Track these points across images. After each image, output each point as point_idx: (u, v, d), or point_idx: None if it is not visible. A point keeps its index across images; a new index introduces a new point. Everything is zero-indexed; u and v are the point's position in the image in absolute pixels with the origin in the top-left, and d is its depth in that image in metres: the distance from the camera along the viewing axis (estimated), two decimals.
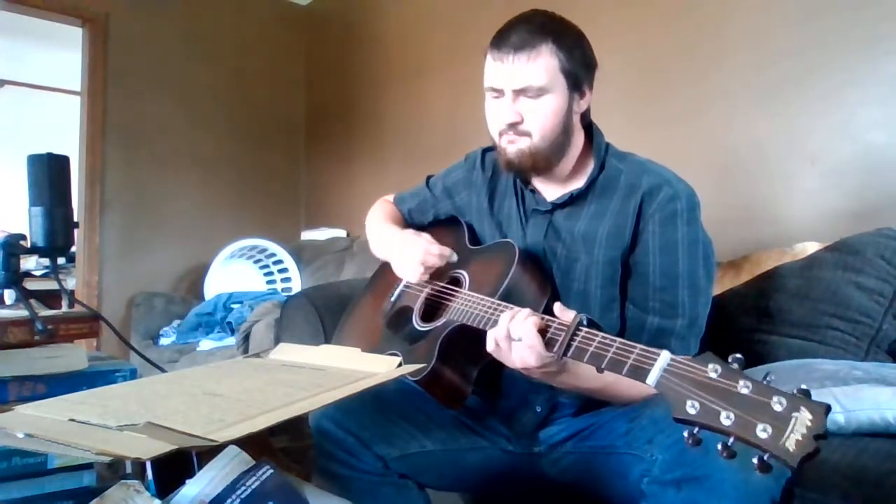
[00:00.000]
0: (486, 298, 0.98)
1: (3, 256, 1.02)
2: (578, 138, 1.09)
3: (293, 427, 0.98)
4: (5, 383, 0.87)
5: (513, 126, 1.02)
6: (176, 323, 3.14)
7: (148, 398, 0.80)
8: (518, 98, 1.01)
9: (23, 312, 0.94)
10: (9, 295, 1.08)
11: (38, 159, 1.09)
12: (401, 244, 1.18)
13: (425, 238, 1.16)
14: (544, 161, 1.04)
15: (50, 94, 4.99)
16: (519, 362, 0.86)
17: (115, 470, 0.84)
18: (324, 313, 1.64)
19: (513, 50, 0.99)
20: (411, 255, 1.13)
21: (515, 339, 0.85)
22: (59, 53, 4.30)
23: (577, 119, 1.06)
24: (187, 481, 0.70)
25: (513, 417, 1.10)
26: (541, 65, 0.98)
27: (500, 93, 1.03)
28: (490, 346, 0.89)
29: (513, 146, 1.04)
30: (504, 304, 0.94)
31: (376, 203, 1.41)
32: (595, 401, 1.02)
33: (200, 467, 0.71)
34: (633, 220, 1.02)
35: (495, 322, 0.91)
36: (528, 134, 1.02)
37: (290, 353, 1.04)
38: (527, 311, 0.87)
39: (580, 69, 1.02)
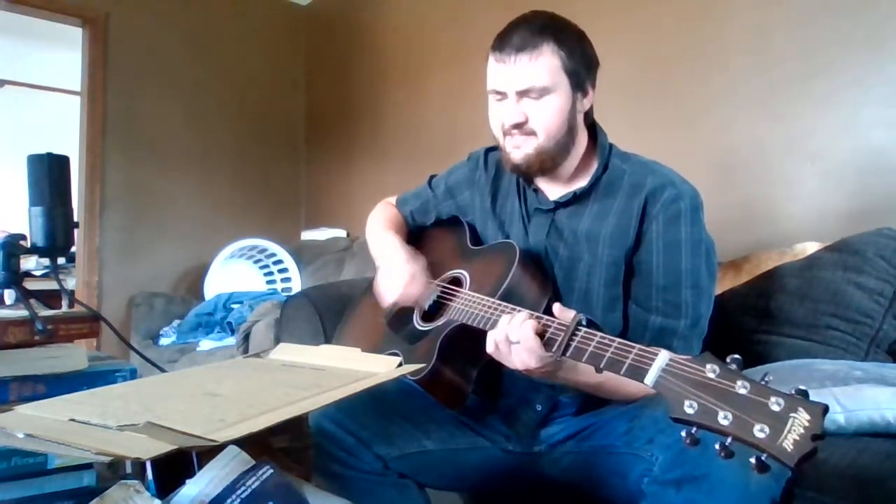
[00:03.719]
0: (487, 298, 0.98)
1: (3, 256, 1.02)
2: (582, 138, 1.09)
3: (293, 427, 0.98)
4: (5, 383, 0.87)
5: (518, 126, 1.02)
6: (176, 323, 3.14)
7: (148, 398, 0.80)
8: (522, 99, 1.01)
9: (23, 312, 0.94)
10: (9, 295, 1.08)
11: (38, 159, 1.09)
12: (393, 266, 1.16)
13: (414, 273, 1.14)
14: (550, 161, 1.04)
15: (50, 94, 4.98)
16: (519, 364, 0.86)
17: (115, 470, 0.83)
18: (324, 313, 1.64)
19: (514, 51, 0.99)
20: (395, 284, 1.13)
21: (514, 341, 0.85)
22: (59, 53, 4.30)
23: (580, 118, 1.07)
24: (187, 481, 0.70)
25: (513, 416, 1.10)
26: (543, 65, 0.99)
27: (503, 95, 1.03)
28: (490, 348, 0.89)
29: (518, 151, 1.04)
30: (504, 304, 0.94)
31: (378, 206, 1.40)
32: (596, 400, 1.02)
33: (200, 467, 0.71)
34: (637, 219, 1.02)
35: (495, 322, 0.91)
36: (533, 133, 1.02)
37: (290, 353, 1.04)
38: (525, 313, 0.87)
39: (582, 68, 1.02)
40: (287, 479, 0.73)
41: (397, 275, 1.13)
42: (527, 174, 1.08)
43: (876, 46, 1.63)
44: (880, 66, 1.63)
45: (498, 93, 1.03)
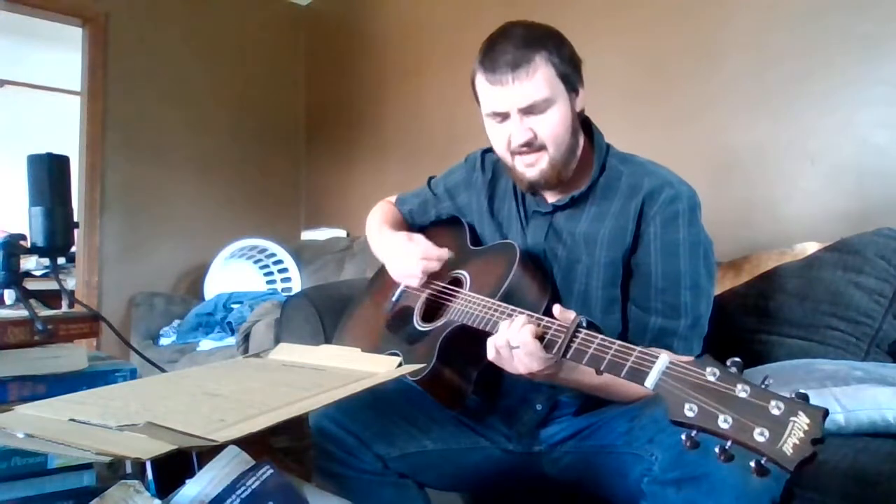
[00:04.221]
0: (487, 299, 0.98)
1: (3, 256, 1.02)
2: (580, 138, 1.09)
3: (293, 427, 0.98)
4: (5, 383, 0.87)
5: (527, 144, 1.00)
6: (176, 323, 3.14)
7: (148, 398, 0.80)
8: (525, 116, 1.00)
9: (23, 312, 0.94)
10: (9, 295, 1.08)
11: (38, 159, 1.09)
12: (398, 248, 1.17)
13: (422, 241, 1.15)
14: (564, 171, 1.04)
15: (50, 94, 4.98)
16: (522, 368, 0.86)
17: (115, 470, 0.83)
18: (324, 313, 1.64)
19: (510, 69, 0.97)
20: (409, 260, 1.13)
21: (514, 346, 0.85)
22: (59, 53, 4.29)
23: (577, 119, 1.06)
24: (187, 481, 0.70)
25: (513, 416, 1.10)
26: (540, 77, 0.97)
27: (504, 116, 1.01)
28: (491, 354, 0.89)
29: (532, 169, 1.03)
30: (504, 304, 0.94)
31: (377, 205, 1.40)
32: (596, 400, 1.02)
33: (200, 467, 0.71)
34: (635, 221, 1.02)
35: (495, 323, 0.91)
36: (543, 148, 1.01)
37: (290, 353, 1.04)
38: (523, 318, 0.86)
39: (570, 68, 1.02)
40: (287, 479, 0.73)
41: (407, 255, 1.13)
42: (545, 190, 1.06)
43: (875, 46, 1.63)
44: (879, 65, 1.63)
45: (498, 114, 1.02)
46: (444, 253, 1.13)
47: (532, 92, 0.98)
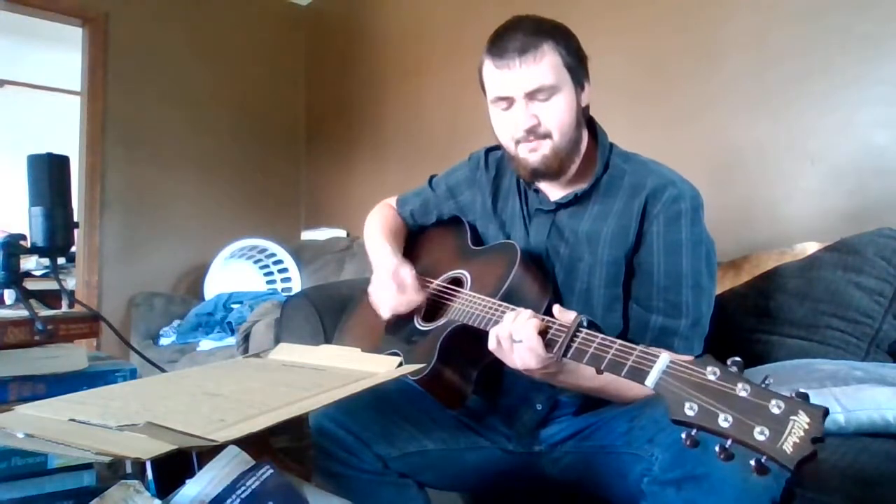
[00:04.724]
0: (487, 299, 0.98)
1: (3, 256, 1.02)
2: (584, 135, 1.09)
3: (293, 427, 0.98)
4: (5, 383, 0.87)
5: (531, 131, 1.01)
6: (176, 323, 3.14)
7: (148, 398, 0.80)
8: (531, 102, 1.00)
9: (23, 312, 0.94)
10: (9, 295, 1.08)
11: (38, 159, 1.09)
12: (380, 279, 1.15)
13: (395, 289, 1.12)
14: (567, 160, 1.04)
15: (50, 94, 4.99)
16: (520, 363, 0.86)
17: (115, 470, 0.84)
18: (324, 313, 1.64)
19: (517, 54, 0.98)
20: (383, 296, 1.13)
21: (517, 340, 0.85)
22: (59, 53, 4.30)
23: (582, 114, 1.06)
24: (187, 481, 0.70)
25: (513, 415, 1.10)
26: (547, 63, 0.98)
27: (509, 101, 1.01)
28: (492, 344, 0.89)
29: (535, 153, 1.02)
30: (505, 304, 0.94)
31: (376, 207, 1.39)
32: (596, 400, 1.02)
33: (200, 467, 0.71)
34: (638, 220, 1.02)
35: (496, 322, 0.91)
36: (548, 135, 1.01)
37: (290, 353, 1.04)
38: (529, 312, 0.87)
39: (578, 62, 1.03)
40: (287, 479, 0.73)
41: (386, 288, 1.13)
42: (545, 177, 1.06)
43: (875, 45, 1.63)
44: (879, 65, 1.63)
45: (503, 99, 1.02)
46: (413, 304, 1.12)
47: (539, 76, 0.98)
